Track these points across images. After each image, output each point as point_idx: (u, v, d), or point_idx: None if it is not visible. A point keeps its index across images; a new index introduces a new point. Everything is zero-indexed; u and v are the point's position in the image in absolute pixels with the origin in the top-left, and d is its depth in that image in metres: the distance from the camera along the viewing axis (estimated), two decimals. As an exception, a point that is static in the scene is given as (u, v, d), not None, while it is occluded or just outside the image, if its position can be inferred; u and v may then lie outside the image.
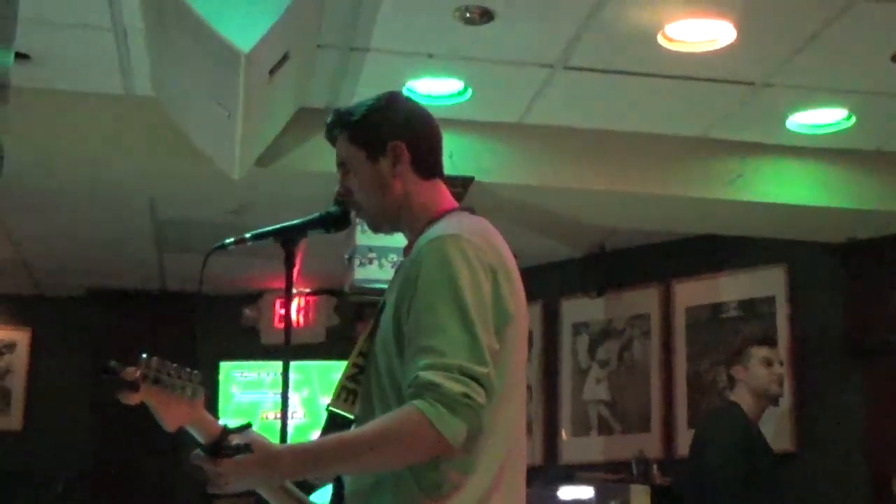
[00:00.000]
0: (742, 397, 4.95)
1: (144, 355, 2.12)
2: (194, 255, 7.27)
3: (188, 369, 2.17)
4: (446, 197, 2.36)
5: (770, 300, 6.63)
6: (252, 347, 8.17)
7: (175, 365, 2.15)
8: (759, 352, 4.98)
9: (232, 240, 2.35)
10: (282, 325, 8.05)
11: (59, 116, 5.20)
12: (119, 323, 8.13)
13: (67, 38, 4.67)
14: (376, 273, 5.23)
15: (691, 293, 6.99)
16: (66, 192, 5.98)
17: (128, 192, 6.04)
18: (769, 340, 5.25)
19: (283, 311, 8.10)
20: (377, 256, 5.27)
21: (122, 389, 2.10)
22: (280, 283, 2.31)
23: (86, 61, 4.90)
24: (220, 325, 8.04)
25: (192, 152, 5.11)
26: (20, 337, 8.44)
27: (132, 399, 2.11)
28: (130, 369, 2.11)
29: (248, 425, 2.13)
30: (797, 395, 6.35)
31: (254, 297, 8.31)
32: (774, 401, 5.10)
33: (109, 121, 5.27)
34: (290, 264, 2.28)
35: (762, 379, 4.94)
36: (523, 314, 2.23)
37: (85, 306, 8.30)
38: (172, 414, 2.14)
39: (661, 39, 4.58)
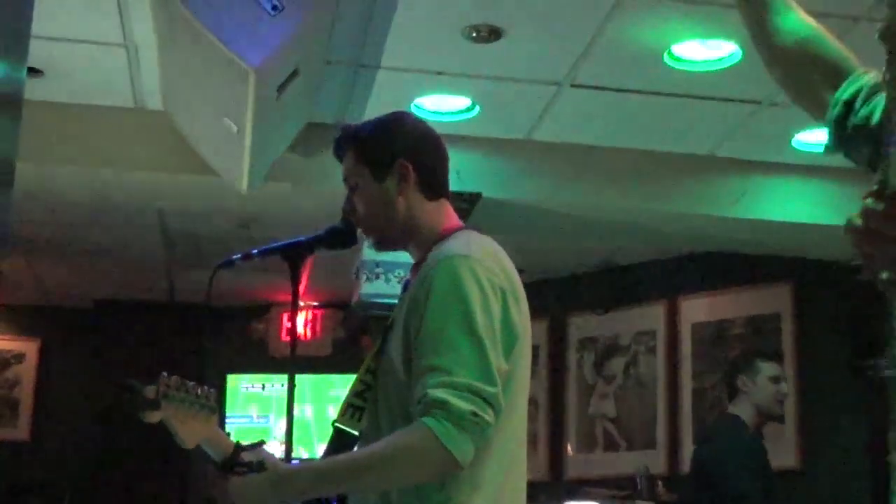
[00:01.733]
0: (744, 410, 4.67)
1: (164, 373, 2.13)
2: (202, 267, 7.30)
3: (205, 387, 2.19)
4: (452, 216, 2.37)
5: (776, 317, 6.64)
6: (260, 360, 8.19)
7: (192, 383, 2.17)
8: (769, 367, 4.72)
9: (239, 256, 2.37)
10: (289, 339, 8.06)
11: (71, 130, 5.25)
12: (127, 334, 8.17)
13: (80, 53, 4.71)
14: (383, 288, 5.25)
15: (697, 310, 7.00)
16: (76, 204, 6.02)
17: (137, 204, 6.08)
18: (777, 357, 5.08)
19: (290, 325, 8.11)
20: (384, 272, 5.30)
21: (142, 408, 2.11)
22: (288, 297, 2.33)
23: (97, 76, 4.94)
24: (229, 338, 8.07)
25: (201, 166, 5.14)
26: (29, 347, 8.48)
27: (153, 417, 2.12)
28: (150, 388, 2.12)
29: (261, 443, 2.15)
30: (802, 413, 6.36)
31: (262, 310, 8.34)
32: (773, 419, 4.87)
33: (120, 134, 5.30)
34: (295, 280, 2.30)
35: (768, 396, 4.66)
36: (529, 333, 2.25)
37: (93, 318, 8.34)
38: (190, 431, 2.16)
39: (667, 58, 4.62)
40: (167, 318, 8.20)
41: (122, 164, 5.38)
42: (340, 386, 7.31)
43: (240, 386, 8.08)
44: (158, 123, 5.20)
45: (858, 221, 1.20)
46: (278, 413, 7.71)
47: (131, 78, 4.95)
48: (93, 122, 5.27)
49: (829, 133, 1.78)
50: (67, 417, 8.23)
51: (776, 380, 4.69)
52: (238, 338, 8.22)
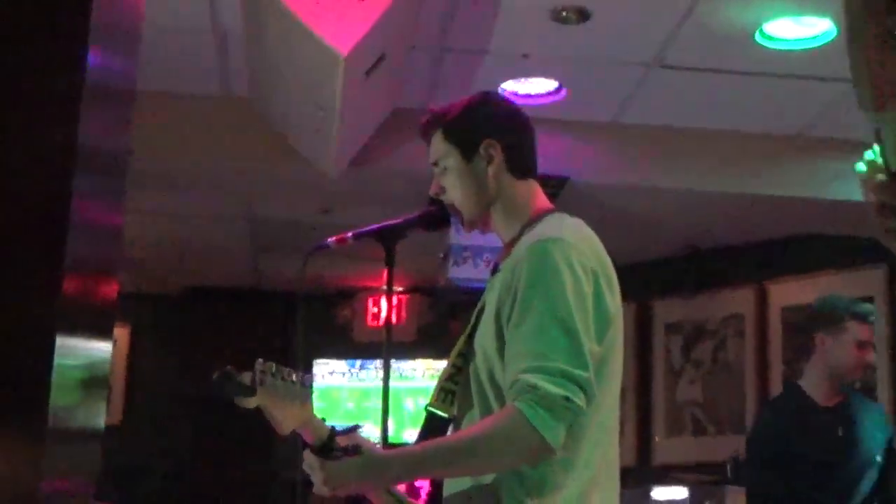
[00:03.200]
0: (812, 375, 3.95)
1: (260, 360, 2.13)
2: (287, 253, 7.31)
3: (300, 372, 2.19)
4: (541, 197, 2.36)
5: (869, 300, 6.49)
6: (344, 346, 8.23)
7: (287, 369, 2.17)
8: (859, 330, 3.88)
9: (333, 239, 2.37)
10: (375, 324, 8.10)
11: (159, 118, 5.30)
12: (214, 321, 8.27)
13: (168, 41, 4.75)
14: (471, 272, 5.26)
15: (787, 293, 6.88)
16: (164, 192, 6.10)
17: (225, 191, 6.14)
18: (871, 320, 4.00)
19: (375, 310, 8.15)
20: (472, 255, 5.30)
21: (239, 393, 2.11)
22: (372, 282, 2.33)
23: (186, 63, 4.99)
24: (313, 324, 8.12)
25: (288, 152, 5.18)
26: (120, 333, 8.59)
27: (249, 403, 2.12)
28: (247, 374, 2.12)
29: (356, 427, 2.15)
30: (896, 397, 6.23)
31: (347, 296, 8.37)
32: (850, 385, 4.02)
33: (207, 122, 5.36)
34: (391, 263, 2.30)
35: (848, 361, 3.87)
36: (621, 317, 2.23)
37: (182, 304, 8.45)
38: (286, 417, 2.15)
39: (758, 37, 4.53)
40: (253, 305, 8.29)
41: (210, 152, 5.44)
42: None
43: (332, 382, 8.05)
44: (246, 110, 5.24)
45: (876, 178, 1.15)
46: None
47: (219, 65, 4.99)
48: (181, 110, 5.32)
49: None
50: (158, 401, 8.36)
51: (863, 345, 3.90)
52: (322, 324, 8.27)
